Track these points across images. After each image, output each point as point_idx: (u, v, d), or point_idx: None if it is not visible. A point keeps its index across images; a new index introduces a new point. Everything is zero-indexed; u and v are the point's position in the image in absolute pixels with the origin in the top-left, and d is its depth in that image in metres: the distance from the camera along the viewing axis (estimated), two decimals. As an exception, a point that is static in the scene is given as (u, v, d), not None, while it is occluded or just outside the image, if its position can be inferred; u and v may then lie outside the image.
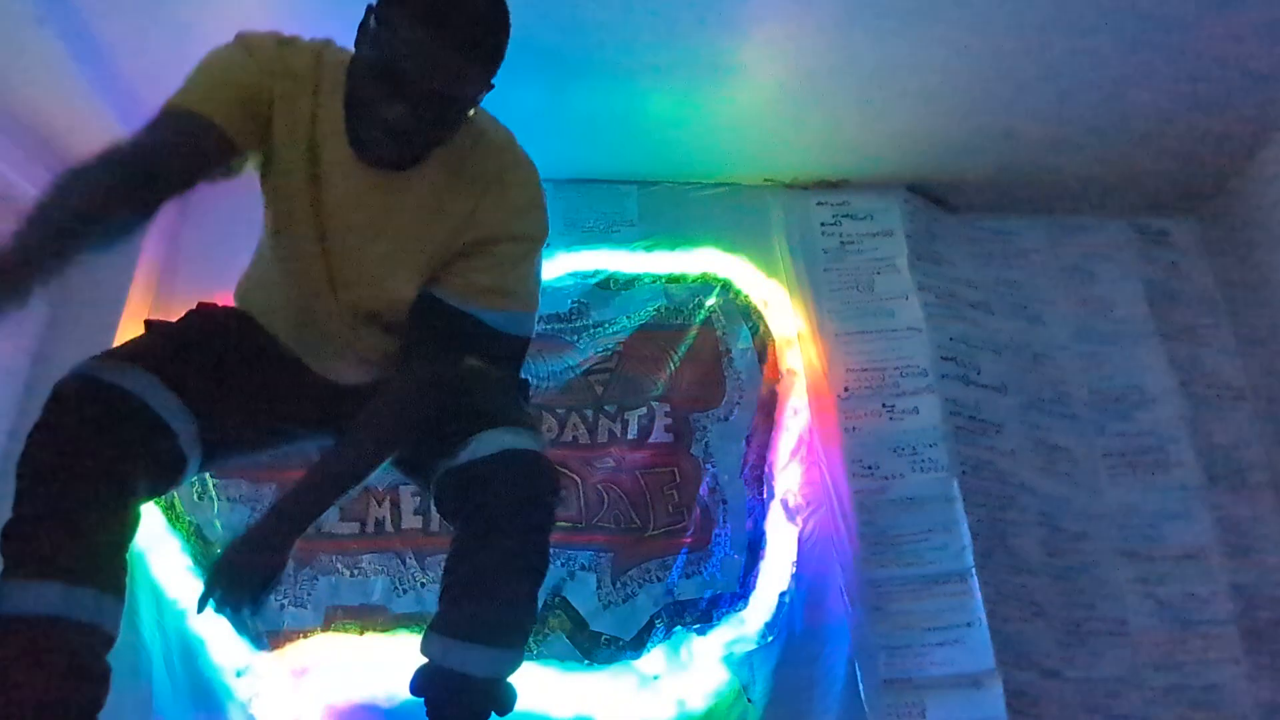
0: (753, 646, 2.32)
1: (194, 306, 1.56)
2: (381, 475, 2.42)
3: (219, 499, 2.41)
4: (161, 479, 1.31)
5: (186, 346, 1.33)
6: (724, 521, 2.48)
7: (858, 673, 2.28)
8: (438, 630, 1.36)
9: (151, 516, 2.38)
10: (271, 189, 1.42)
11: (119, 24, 2.21)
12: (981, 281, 2.91)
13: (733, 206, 2.86)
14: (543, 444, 1.44)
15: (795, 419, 2.58)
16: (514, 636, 1.39)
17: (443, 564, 1.40)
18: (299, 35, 1.39)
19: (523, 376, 1.63)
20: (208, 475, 2.43)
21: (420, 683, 1.36)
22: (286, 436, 1.58)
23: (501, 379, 1.48)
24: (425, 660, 1.37)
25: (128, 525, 1.24)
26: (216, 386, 1.38)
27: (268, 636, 2.27)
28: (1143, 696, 2.44)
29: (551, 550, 2.33)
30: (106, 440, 1.20)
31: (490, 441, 1.35)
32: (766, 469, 2.53)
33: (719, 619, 2.36)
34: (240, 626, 2.23)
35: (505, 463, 1.33)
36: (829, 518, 2.44)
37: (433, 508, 2.44)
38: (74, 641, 1.14)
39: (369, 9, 1.27)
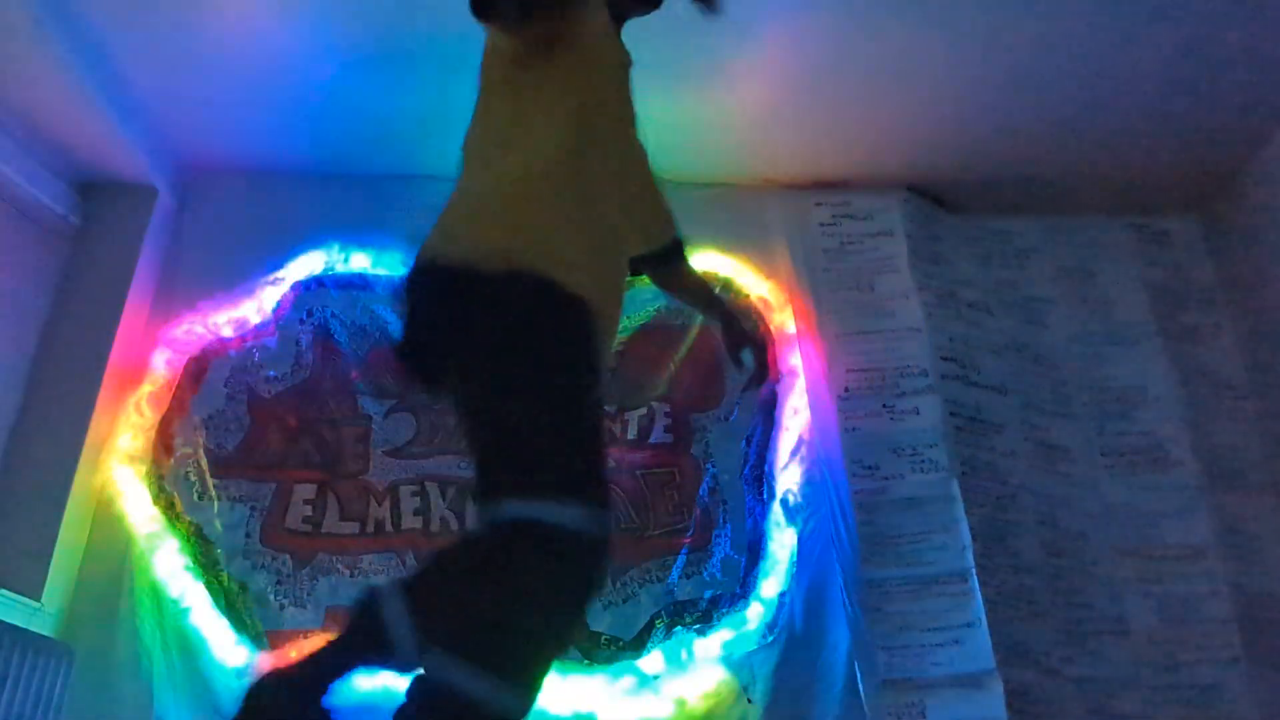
0: (753, 646, 2.33)
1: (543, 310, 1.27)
2: (383, 474, 2.47)
3: (219, 499, 2.41)
4: None
5: (589, 449, 1.27)
6: (724, 521, 2.48)
7: (858, 673, 2.28)
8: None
9: (152, 517, 2.39)
10: (578, 71, 1.35)
11: (118, 22, 2.21)
12: (981, 281, 2.91)
13: (733, 206, 2.86)
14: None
15: (795, 419, 2.58)
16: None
17: None
18: None
19: None
20: (207, 475, 2.43)
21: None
22: None
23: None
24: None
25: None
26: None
27: (268, 636, 2.27)
28: (1143, 696, 2.44)
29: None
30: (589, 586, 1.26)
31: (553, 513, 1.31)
32: (766, 469, 2.53)
33: (719, 619, 2.36)
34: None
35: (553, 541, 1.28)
36: (829, 518, 2.44)
37: (432, 508, 2.45)
38: None
39: None
